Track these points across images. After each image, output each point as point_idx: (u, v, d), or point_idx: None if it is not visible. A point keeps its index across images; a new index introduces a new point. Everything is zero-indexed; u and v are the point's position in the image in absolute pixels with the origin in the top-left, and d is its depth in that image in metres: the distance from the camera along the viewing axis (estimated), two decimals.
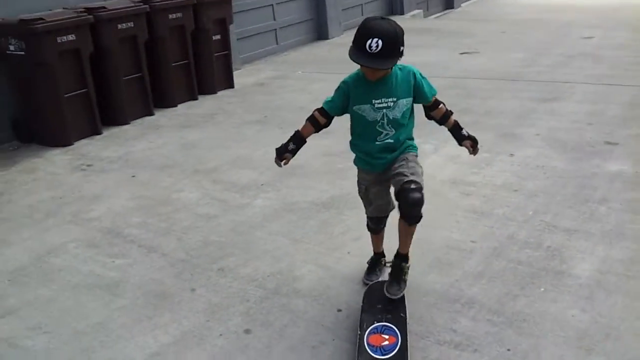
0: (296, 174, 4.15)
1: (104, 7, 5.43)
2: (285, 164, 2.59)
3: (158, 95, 6.13)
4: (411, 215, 2.38)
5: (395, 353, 2.28)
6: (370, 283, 2.77)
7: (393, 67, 2.40)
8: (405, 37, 2.33)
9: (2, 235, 3.66)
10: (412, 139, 2.57)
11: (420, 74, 2.49)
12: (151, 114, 6.02)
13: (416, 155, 2.53)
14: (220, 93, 6.76)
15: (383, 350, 2.29)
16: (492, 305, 2.63)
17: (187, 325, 2.64)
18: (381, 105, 2.41)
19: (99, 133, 5.53)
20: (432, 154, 4.40)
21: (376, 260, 2.88)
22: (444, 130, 2.69)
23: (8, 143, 5.43)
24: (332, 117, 2.57)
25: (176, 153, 4.93)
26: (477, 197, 3.70)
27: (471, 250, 3.09)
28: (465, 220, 3.41)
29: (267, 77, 7.42)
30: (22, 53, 4.93)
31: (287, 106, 5.99)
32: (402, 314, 2.47)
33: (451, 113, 2.63)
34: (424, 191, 2.38)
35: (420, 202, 2.34)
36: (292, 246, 3.27)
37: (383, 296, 2.54)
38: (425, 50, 8.21)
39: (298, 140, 2.58)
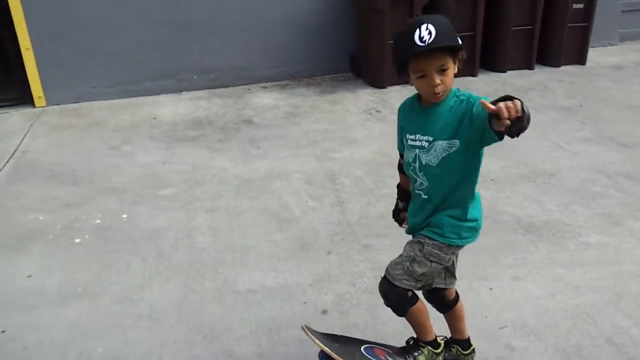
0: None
1: None
2: (406, 224, 2.17)
3: (489, 53, 5.91)
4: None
5: None
6: None
7: (451, 95, 1.78)
8: None
9: (268, 149, 4.44)
10: (461, 215, 1.86)
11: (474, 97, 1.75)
12: (474, 75, 5.89)
13: (444, 247, 1.88)
14: (562, 68, 6.02)
15: None
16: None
17: (291, 281, 2.83)
18: (414, 144, 1.86)
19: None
20: None
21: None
22: None
23: (343, 74, 6.28)
24: None
25: None
26: None
27: None
28: None
29: (634, 60, 6.13)
30: None
31: (617, 100, 4.92)
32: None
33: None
34: None
35: (388, 298, 1.96)
36: None
37: None
38: None
39: (403, 195, 2.15)
